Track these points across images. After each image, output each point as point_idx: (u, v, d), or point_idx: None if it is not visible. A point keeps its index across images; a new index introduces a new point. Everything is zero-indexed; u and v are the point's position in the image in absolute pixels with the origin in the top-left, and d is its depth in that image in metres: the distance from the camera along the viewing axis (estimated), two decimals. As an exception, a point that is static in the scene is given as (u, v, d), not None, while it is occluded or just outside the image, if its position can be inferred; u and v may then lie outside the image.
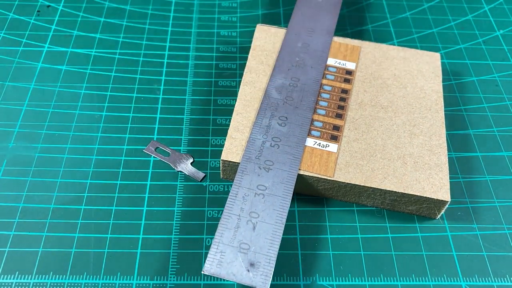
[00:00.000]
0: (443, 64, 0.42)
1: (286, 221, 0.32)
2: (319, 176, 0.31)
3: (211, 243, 0.27)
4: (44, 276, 0.29)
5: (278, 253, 0.30)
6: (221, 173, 0.33)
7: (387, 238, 0.31)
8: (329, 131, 0.33)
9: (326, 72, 0.37)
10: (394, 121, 0.34)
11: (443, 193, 0.31)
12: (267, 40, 0.39)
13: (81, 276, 0.29)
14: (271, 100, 0.34)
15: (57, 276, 0.29)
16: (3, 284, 0.28)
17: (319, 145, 0.32)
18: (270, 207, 0.29)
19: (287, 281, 0.29)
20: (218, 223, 0.29)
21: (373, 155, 0.32)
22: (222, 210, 0.32)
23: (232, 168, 0.32)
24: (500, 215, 0.32)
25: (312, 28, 0.39)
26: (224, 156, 0.32)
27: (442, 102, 0.35)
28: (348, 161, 0.32)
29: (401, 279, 0.29)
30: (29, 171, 0.33)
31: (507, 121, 0.38)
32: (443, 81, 0.40)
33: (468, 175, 0.34)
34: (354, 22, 0.45)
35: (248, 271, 0.26)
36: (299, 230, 0.31)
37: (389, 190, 0.31)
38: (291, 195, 0.29)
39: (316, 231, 0.31)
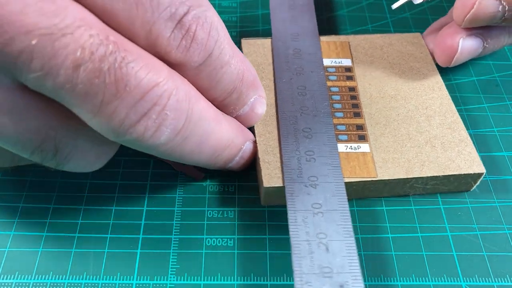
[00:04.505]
0: (443, 64, 0.42)
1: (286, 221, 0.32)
2: (364, 179, 0.31)
3: (293, 276, 0.26)
4: (44, 276, 0.29)
5: (276, 252, 0.30)
6: (262, 199, 0.32)
7: (387, 238, 0.31)
8: (354, 132, 0.33)
9: (327, 73, 0.37)
10: (407, 107, 0.34)
11: (477, 165, 0.31)
12: (257, 54, 0.38)
13: (81, 276, 0.29)
14: (287, 114, 0.33)
15: (57, 276, 0.29)
16: (3, 284, 0.28)
17: (351, 148, 0.32)
18: (332, 223, 0.27)
19: (287, 281, 0.29)
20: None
21: (403, 145, 0.32)
22: (223, 210, 0.32)
23: (276, 193, 0.30)
24: (500, 215, 0.32)
25: (296, 32, 0.38)
26: (266, 182, 0.30)
27: (442, 80, 0.36)
28: (384, 157, 0.32)
29: (401, 279, 0.29)
30: (29, 171, 0.33)
31: (507, 121, 0.38)
32: (442, 81, 0.40)
33: (468, 175, 0.34)
34: (354, 22, 0.45)
35: None
36: (299, 230, 0.31)
37: (430, 176, 0.31)
38: (347, 206, 0.28)
39: (316, 231, 0.31)
